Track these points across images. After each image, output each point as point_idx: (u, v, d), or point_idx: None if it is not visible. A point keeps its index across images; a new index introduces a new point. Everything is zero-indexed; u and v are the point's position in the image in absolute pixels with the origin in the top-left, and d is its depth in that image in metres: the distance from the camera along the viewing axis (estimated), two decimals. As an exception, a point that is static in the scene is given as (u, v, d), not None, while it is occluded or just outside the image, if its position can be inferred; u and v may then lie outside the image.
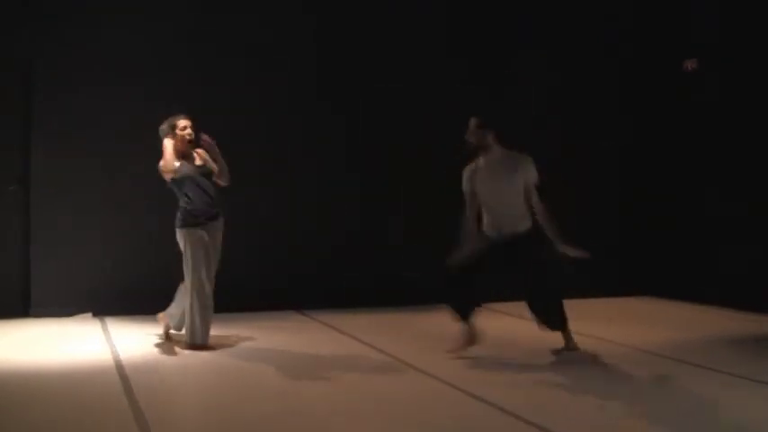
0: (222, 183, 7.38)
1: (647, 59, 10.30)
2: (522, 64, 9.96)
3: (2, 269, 8.64)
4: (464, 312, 7.00)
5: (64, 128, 8.70)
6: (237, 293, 8.07)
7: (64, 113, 8.69)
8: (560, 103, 10.15)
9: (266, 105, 9.21)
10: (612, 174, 10.40)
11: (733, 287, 9.24)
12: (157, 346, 7.43)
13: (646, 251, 10.33)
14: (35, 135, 8.68)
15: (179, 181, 7.22)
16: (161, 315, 7.51)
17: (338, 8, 9.50)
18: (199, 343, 7.20)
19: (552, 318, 7.14)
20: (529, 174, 7.05)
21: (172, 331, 7.50)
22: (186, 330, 7.25)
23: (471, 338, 7.03)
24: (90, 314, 8.74)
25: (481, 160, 7.06)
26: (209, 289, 7.21)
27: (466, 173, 7.10)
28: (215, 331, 7.52)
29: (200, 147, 7.32)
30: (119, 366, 6.66)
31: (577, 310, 9.30)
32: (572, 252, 7.05)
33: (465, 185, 7.09)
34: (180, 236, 7.26)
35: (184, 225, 7.24)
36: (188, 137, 7.23)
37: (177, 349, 7.25)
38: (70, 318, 8.64)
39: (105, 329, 8.12)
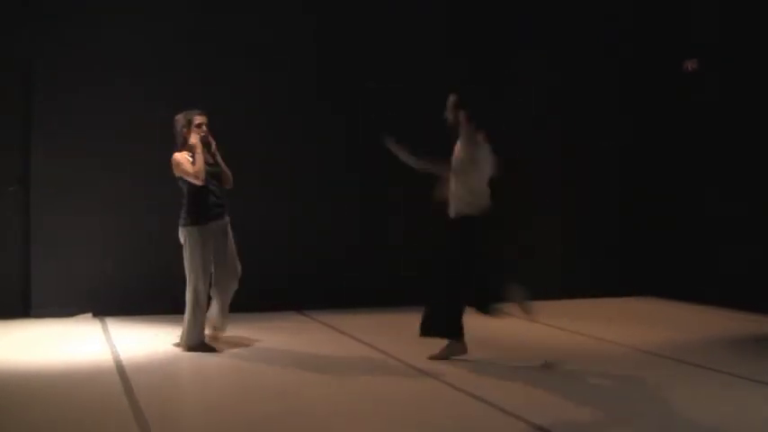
0: (227, 185, 7.41)
1: (647, 59, 10.30)
2: (522, 64, 9.97)
3: (2, 269, 8.64)
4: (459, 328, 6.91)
5: (64, 128, 8.69)
6: (237, 293, 8.04)
7: (64, 113, 8.69)
8: (560, 103, 10.16)
9: (266, 105, 9.21)
10: (612, 174, 10.40)
11: (733, 287, 9.24)
12: (157, 346, 7.43)
13: (646, 251, 10.34)
14: (35, 135, 8.68)
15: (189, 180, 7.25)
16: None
17: (338, 8, 9.50)
18: (195, 343, 7.21)
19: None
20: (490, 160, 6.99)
21: (220, 334, 7.55)
22: (183, 332, 7.27)
23: (463, 348, 6.98)
24: (90, 314, 8.74)
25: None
26: (204, 290, 7.21)
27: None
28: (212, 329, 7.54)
29: (211, 145, 7.35)
30: (119, 366, 6.66)
31: (577, 310, 9.36)
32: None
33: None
34: (182, 234, 7.27)
35: (187, 224, 7.25)
36: (202, 134, 7.25)
37: (178, 350, 7.25)
38: (70, 318, 8.64)
39: (105, 330, 8.12)
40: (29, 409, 5.61)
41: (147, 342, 7.58)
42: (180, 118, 7.30)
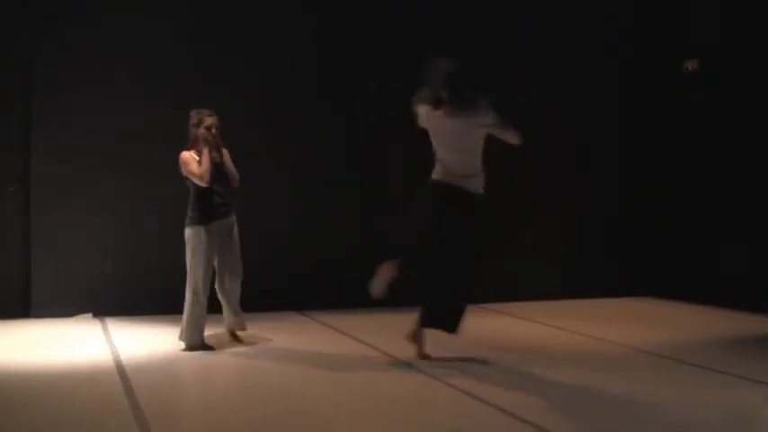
0: (233, 185, 7.44)
1: (647, 59, 10.30)
2: (522, 64, 9.97)
3: (2, 270, 8.64)
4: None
5: (64, 128, 8.69)
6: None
7: (64, 113, 8.69)
8: (560, 103, 10.15)
9: (266, 105, 9.21)
10: (612, 174, 10.40)
11: (733, 287, 9.24)
12: (157, 346, 7.43)
13: (646, 251, 10.33)
14: (35, 135, 8.68)
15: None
16: None
17: (338, 8, 9.50)
18: (193, 343, 7.23)
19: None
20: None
21: (239, 333, 7.62)
22: (181, 331, 7.28)
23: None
24: (90, 315, 8.74)
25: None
26: (203, 289, 7.24)
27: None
28: (215, 331, 7.54)
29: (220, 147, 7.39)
30: (119, 367, 6.66)
31: (577, 310, 9.36)
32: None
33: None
34: (186, 233, 7.30)
35: (192, 223, 7.29)
36: (212, 137, 7.28)
37: (178, 350, 7.25)
38: (70, 318, 8.64)
39: (105, 330, 8.12)
40: (29, 409, 5.61)
41: (147, 342, 7.58)
42: (193, 115, 7.34)
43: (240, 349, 7.35)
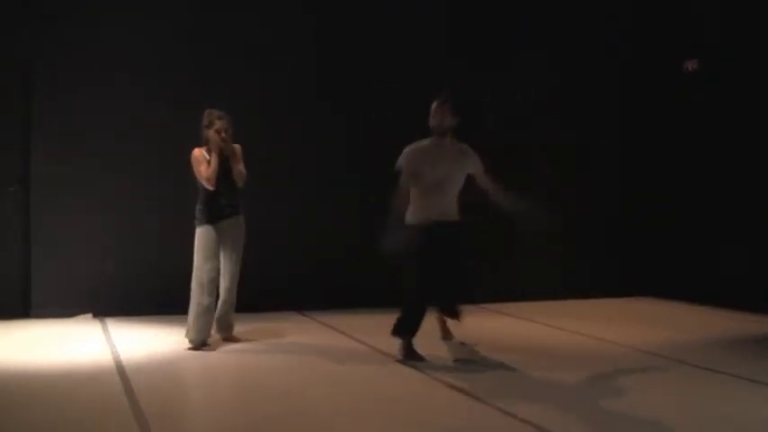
0: (239, 185, 7.47)
1: (647, 59, 10.30)
2: (522, 64, 9.97)
3: (2, 270, 8.63)
4: (415, 330, 6.89)
5: (64, 128, 8.69)
6: (238, 293, 8.04)
7: (64, 113, 8.69)
8: (560, 103, 10.15)
9: (266, 105, 9.20)
10: (612, 174, 10.40)
11: (733, 287, 9.24)
12: (157, 346, 7.43)
13: (646, 251, 10.34)
14: (35, 135, 8.67)
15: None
16: None
17: (338, 8, 9.50)
18: (194, 340, 7.26)
19: (458, 307, 7.12)
20: (477, 163, 6.97)
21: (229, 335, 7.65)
22: (187, 329, 7.31)
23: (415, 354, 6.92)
24: (90, 315, 8.74)
25: (428, 142, 6.95)
26: (208, 287, 7.28)
27: (410, 152, 6.92)
28: (216, 331, 7.54)
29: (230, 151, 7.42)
30: (119, 367, 6.66)
31: (577, 310, 9.36)
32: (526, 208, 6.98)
33: (406, 165, 6.89)
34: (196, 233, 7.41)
35: (198, 223, 7.38)
36: (222, 142, 7.31)
37: (178, 350, 7.25)
38: (70, 318, 8.64)
39: (105, 330, 8.12)
40: (29, 409, 5.61)
41: (147, 342, 7.58)
42: (205, 115, 7.39)
43: (240, 349, 7.35)
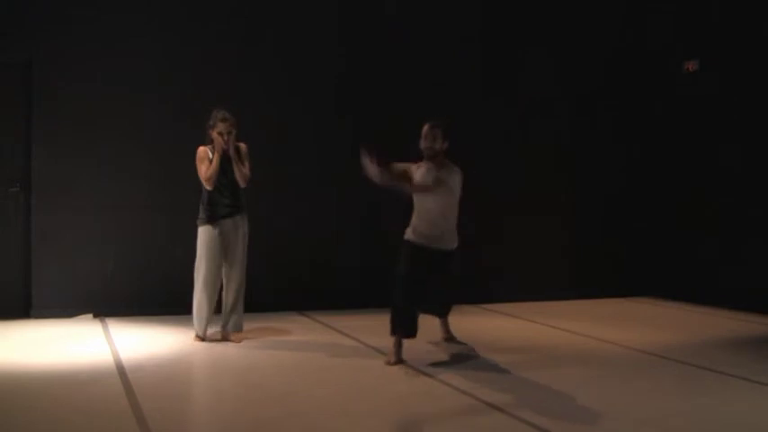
0: (241, 185, 7.51)
1: (647, 59, 10.30)
2: (523, 63, 9.97)
3: (3, 270, 8.63)
4: (409, 330, 6.86)
5: (64, 128, 8.69)
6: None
7: (64, 113, 8.69)
8: (560, 104, 10.15)
9: (266, 105, 9.20)
10: (613, 174, 10.40)
11: (733, 287, 9.24)
12: (157, 346, 7.43)
13: (646, 251, 10.34)
14: (35, 135, 8.67)
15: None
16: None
17: (338, 8, 9.49)
18: (198, 335, 7.46)
19: (445, 308, 7.43)
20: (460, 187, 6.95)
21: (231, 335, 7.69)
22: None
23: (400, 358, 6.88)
24: (91, 315, 8.74)
25: (425, 166, 6.95)
26: (209, 285, 7.40)
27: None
28: (215, 329, 7.55)
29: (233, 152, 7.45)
30: (119, 367, 6.66)
31: (577, 311, 9.36)
32: None
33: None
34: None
35: (199, 223, 7.45)
36: (223, 144, 7.35)
37: (178, 350, 7.26)
38: (71, 319, 8.64)
39: (106, 330, 8.12)
40: (29, 409, 5.61)
41: (147, 342, 7.58)
42: (213, 115, 7.44)
43: (241, 350, 7.35)
